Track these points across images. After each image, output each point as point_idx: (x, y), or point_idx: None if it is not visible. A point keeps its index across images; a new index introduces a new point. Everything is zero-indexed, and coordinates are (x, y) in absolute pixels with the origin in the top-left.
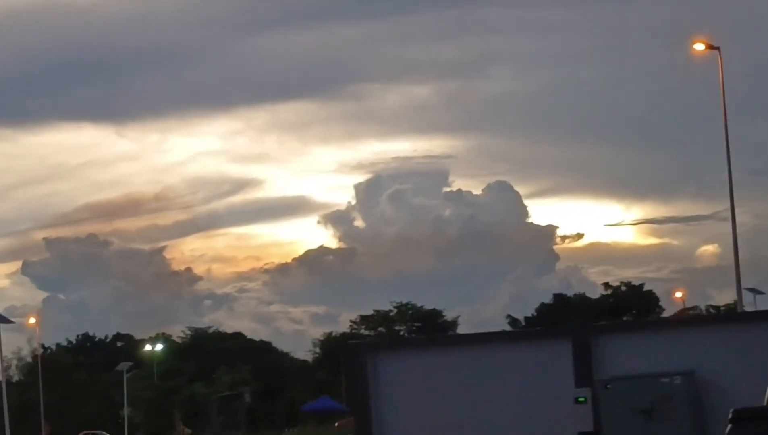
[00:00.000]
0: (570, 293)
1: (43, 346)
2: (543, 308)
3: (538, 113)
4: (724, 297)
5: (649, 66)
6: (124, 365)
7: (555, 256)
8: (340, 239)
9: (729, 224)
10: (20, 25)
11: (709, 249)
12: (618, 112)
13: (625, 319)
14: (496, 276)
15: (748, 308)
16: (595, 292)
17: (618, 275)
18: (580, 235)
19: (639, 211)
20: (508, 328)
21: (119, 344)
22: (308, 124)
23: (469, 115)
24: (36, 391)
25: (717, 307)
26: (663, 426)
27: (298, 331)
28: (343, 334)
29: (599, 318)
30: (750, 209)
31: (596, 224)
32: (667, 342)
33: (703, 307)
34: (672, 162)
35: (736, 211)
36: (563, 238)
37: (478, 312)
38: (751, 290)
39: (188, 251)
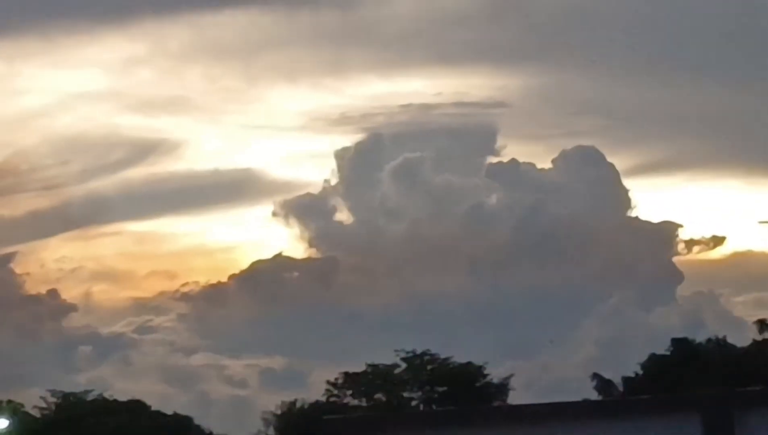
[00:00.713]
0: (700, 338)
1: None
2: (654, 363)
3: (643, 31)
4: None
5: None
6: None
7: (675, 275)
8: (312, 243)
9: None
10: None
11: None
12: None
13: None
14: (576, 308)
15: None
16: (744, 337)
17: None
18: (718, 240)
19: None
20: (594, 395)
21: None
22: (258, 46)
23: (528, 35)
24: None
25: None
26: None
27: (238, 398)
28: (316, 405)
29: (749, 380)
30: None
31: (746, 220)
32: None
33: None
34: None
35: None
36: (690, 243)
37: (545, 369)
38: None
39: (52, 262)
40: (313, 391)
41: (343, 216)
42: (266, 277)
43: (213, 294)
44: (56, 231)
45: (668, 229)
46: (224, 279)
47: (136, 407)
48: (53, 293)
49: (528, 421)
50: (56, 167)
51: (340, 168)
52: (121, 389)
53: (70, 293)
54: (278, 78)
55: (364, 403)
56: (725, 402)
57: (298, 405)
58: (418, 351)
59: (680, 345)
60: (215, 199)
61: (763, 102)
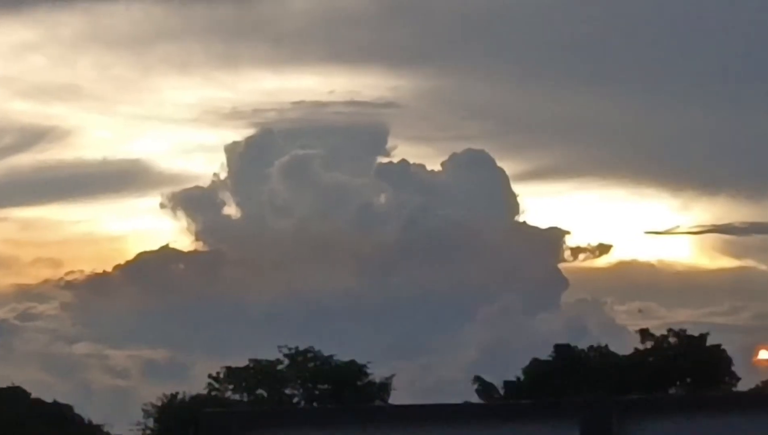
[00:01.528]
0: (583, 345)
1: None
2: (536, 368)
3: (537, 37)
4: None
5: None
6: None
7: (561, 281)
8: (199, 236)
9: None
10: None
11: None
12: (670, 40)
13: (673, 392)
14: (460, 311)
15: None
16: (626, 345)
17: (665, 318)
18: (604, 248)
19: (705, 211)
20: (476, 398)
21: None
22: (150, 37)
23: (422, 37)
24: None
25: None
26: None
27: (120, 389)
28: (197, 398)
29: (630, 388)
30: None
31: (632, 230)
32: (740, 431)
33: None
34: (765, 131)
35: None
36: (576, 250)
37: (427, 370)
38: None
39: None
40: (195, 384)
41: (231, 210)
42: (152, 268)
43: (98, 283)
44: None
45: (555, 235)
46: (109, 269)
47: (16, 394)
48: None
49: (408, 421)
50: None
51: (230, 162)
52: (1, 375)
53: None
54: (171, 70)
55: (245, 398)
56: (604, 409)
57: (179, 397)
58: (302, 348)
59: (562, 351)
60: (103, 188)
61: (653, 114)
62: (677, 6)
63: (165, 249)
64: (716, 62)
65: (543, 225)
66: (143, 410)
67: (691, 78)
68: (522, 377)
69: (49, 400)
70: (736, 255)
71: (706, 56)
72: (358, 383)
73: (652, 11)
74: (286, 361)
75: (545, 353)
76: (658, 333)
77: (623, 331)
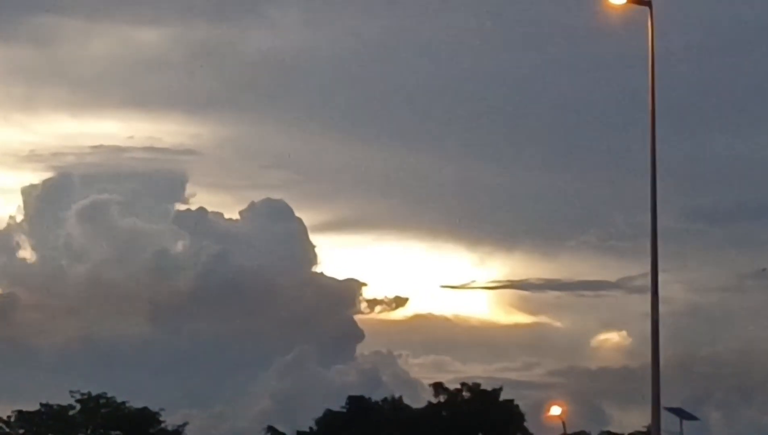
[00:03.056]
0: (377, 397)
1: None
2: (329, 419)
3: (338, 88)
4: (632, 419)
5: (527, 28)
6: None
7: (356, 333)
8: None
9: (647, 299)
10: None
11: (611, 338)
12: (472, 101)
13: None
14: (255, 360)
15: None
16: (420, 398)
17: (459, 372)
18: (400, 301)
19: (501, 267)
20: None
21: None
22: None
23: (223, 84)
24: None
25: None
26: None
27: None
28: None
29: None
30: (685, 276)
31: (428, 283)
32: None
33: (595, 434)
34: (560, 189)
35: (662, 278)
36: (372, 302)
37: (221, 419)
38: (676, 412)
39: None
40: None
41: (26, 253)
42: None
43: None
44: None
45: (352, 287)
46: None
47: None
48: None
49: None
50: None
51: (27, 205)
52: None
53: None
54: None
55: None
56: None
57: None
58: (94, 393)
59: (356, 402)
60: None
61: (451, 168)
62: (470, 64)
63: None
64: (513, 120)
65: (340, 276)
66: None
67: (488, 135)
68: (315, 428)
69: None
70: (531, 311)
71: (504, 112)
72: (151, 430)
73: (446, 67)
74: (78, 407)
75: (339, 404)
76: (452, 387)
77: (417, 384)
